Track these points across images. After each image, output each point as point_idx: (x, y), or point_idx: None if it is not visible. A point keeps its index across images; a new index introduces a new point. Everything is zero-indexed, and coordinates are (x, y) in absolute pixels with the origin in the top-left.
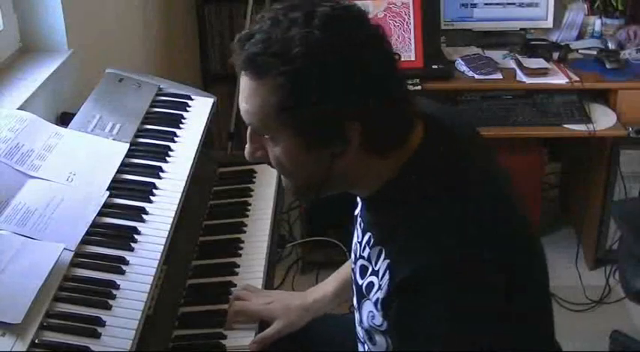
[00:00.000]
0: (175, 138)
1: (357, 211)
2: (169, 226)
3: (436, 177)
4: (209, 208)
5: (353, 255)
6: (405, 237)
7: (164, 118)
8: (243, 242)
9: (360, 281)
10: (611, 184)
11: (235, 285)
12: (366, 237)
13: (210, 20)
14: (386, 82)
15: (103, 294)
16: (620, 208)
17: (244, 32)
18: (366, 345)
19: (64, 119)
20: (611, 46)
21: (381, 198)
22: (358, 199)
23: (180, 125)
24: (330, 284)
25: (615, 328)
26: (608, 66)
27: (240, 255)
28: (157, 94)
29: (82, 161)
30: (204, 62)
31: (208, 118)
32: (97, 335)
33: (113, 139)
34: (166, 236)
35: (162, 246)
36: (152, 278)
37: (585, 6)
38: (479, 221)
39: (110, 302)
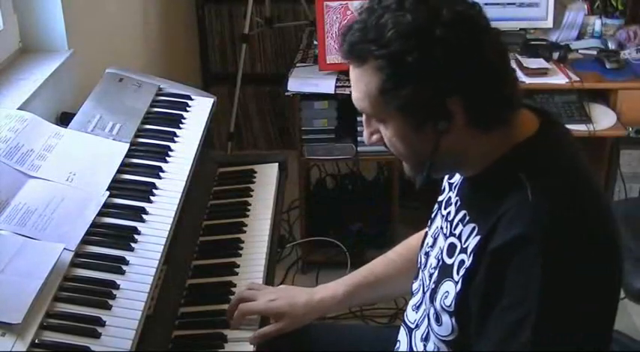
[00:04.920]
0: (175, 138)
1: (443, 197)
2: (169, 226)
3: (554, 161)
4: (209, 208)
5: (432, 239)
6: (505, 211)
7: (164, 118)
8: (243, 242)
9: (448, 261)
10: (611, 184)
11: (235, 285)
12: (460, 215)
13: (210, 20)
14: (479, 55)
15: (103, 294)
16: (620, 208)
17: (345, 25)
18: (422, 327)
19: (64, 119)
20: (611, 46)
21: (486, 176)
22: (445, 184)
23: (180, 125)
24: (342, 285)
25: (615, 328)
26: (608, 66)
27: (240, 255)
28: (157, 94)
29: (82, 161)
30: (204, 62)
31: (208, 118)
32: (97, 335)
33: (113, 139)
34: (166, 236)
35: (162, 246)
36: (152, 278)
37: (585, 6)
38: (592, 209)
39: (110, 302)
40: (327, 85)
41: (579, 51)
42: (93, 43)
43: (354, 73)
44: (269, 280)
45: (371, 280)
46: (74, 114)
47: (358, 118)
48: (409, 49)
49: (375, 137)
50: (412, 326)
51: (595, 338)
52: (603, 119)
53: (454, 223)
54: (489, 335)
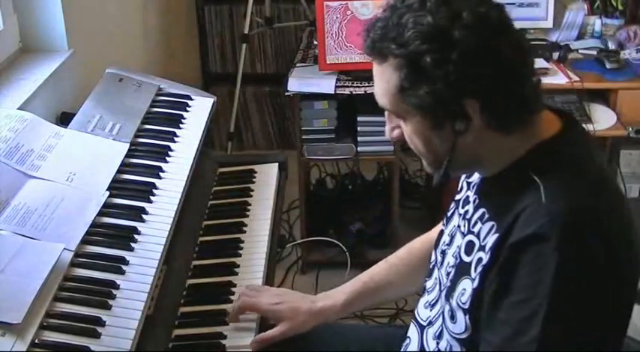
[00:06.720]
0: (175, 138)
1: (460, 195)
2: (169, 226)
3: (571, 162)
4: (209, 208)
5: (449, 238)
6: (522, 210)
7: (164, 118)
8: (243, 242)
9: (466, 259)
10: None
11: (235, 285)
12: (479, 213)
13: (210, 20)
14: (497, 58)
15: (103, 294)
16: None
17: (370, 21)
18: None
19: (64, 119)
20: (611, 46)
21: (507, 176)
22: (463, 183)
23: (180, 125)
24: (342, 294)
25: None
26: (608, 66)
27: (240, 255)
28: (157, 94)
29: (82, 161)
30: (204, 62)
31: (208, 118)
32: (97, 335)
33: (113, 139)
34: (166, 236)
35: (162, 246)
36: (152, 278)
37: (585, 6)
38: (608, 209)
39: (110, 302)
40: (327, 84)
41: (579, 51)
42: (93, 43)
43: (375, 69)
44: (269, 280)
45: (371, 287)
46: (74, 114)
47: (358, 118)
48: (427, 50)
49: (396, 132)
50: (424, 323)
51: (604, 340)
52: (603, 119)
53: (472, 221)
54: (498, 329)
